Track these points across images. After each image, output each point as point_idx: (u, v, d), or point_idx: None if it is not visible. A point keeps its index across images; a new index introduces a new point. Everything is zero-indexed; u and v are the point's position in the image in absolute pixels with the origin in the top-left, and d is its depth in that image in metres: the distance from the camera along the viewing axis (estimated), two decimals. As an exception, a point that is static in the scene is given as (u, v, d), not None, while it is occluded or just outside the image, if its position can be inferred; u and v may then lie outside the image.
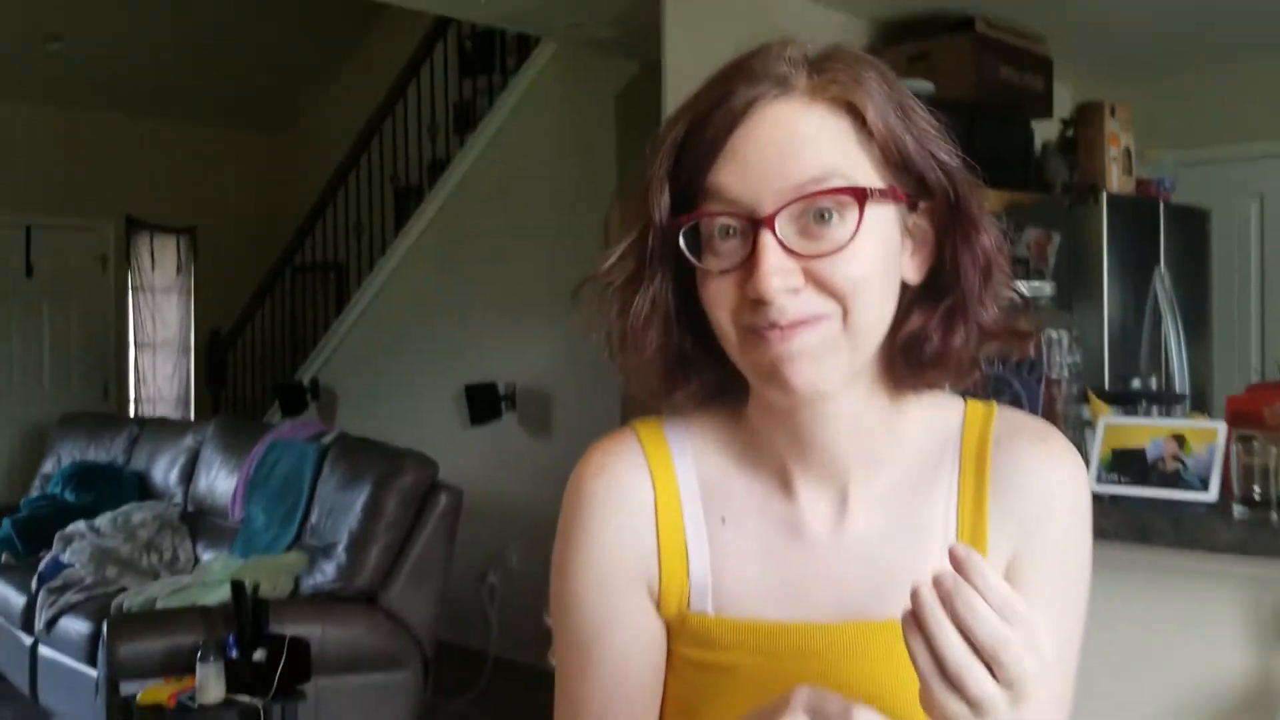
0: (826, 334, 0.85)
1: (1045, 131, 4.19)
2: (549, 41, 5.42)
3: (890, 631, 0.90)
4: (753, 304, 0.85)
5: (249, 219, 8.30)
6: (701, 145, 0.87)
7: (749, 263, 0.84)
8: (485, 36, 6.42)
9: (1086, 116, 3.90)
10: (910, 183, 0.88)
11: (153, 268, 8.17)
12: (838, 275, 0.84)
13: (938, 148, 0.89)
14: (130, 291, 8.10)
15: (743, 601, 0.94)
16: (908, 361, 0.92)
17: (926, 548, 0.94)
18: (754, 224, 0.84)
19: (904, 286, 0.91)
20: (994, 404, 0.99)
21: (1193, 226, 4.27)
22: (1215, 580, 2.09)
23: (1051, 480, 0.95)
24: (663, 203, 0.89)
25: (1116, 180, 3.83)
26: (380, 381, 6.24)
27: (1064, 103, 4.45)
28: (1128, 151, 3.89)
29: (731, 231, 0.86)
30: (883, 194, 0.86)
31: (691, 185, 0.87)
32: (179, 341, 8.37)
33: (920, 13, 4.07)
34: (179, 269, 8.31)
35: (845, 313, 0.85)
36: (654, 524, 0.96)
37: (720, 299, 0.87)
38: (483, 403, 5.46)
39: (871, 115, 0.86)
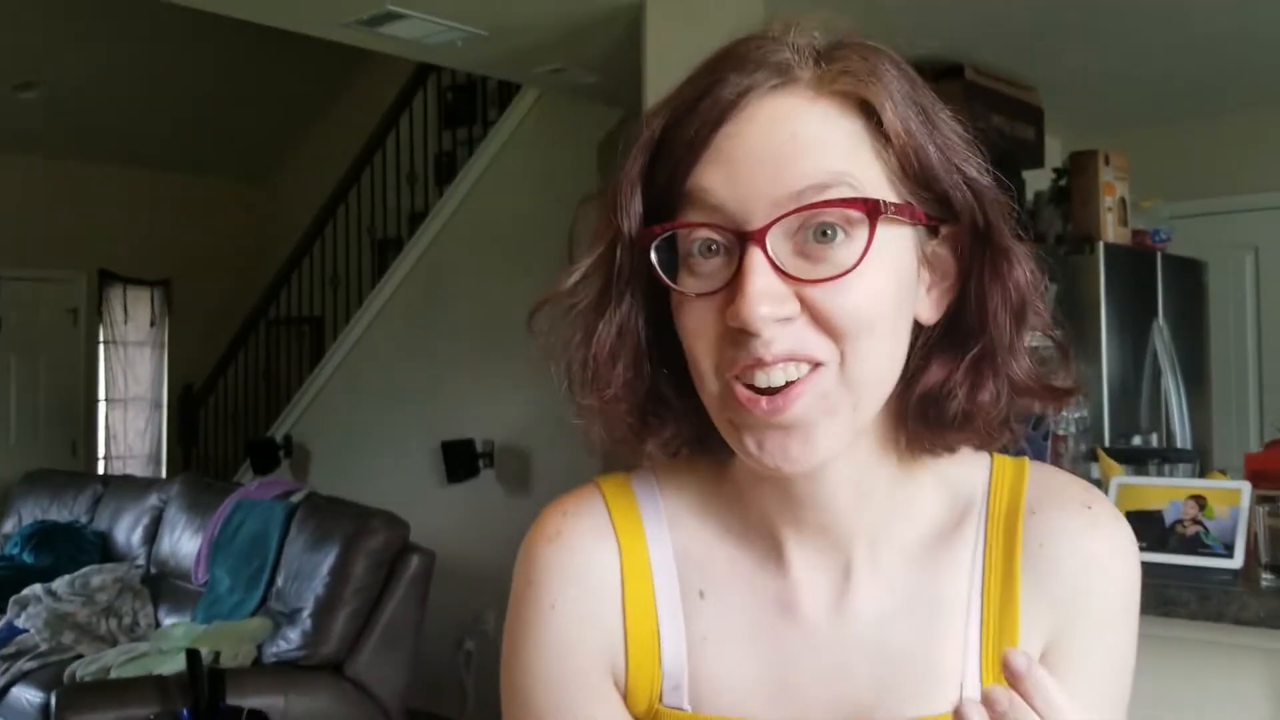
0: (822, 392, 0.70)
1: (1036, 182, 4.10)
2: (530, 89, 5.34)
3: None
4: (735, 335, 0.69)
5: (225, 271, 8.17)
6: (682, 142, 0.71)
7: (733, 285, 0.69)
8: (466, 88, 6.34)
9: (1080, 165, 3.80)
10: (931, 202, 0.74)
11: (125, 321, 8.01)
12: (839, 306, 0.69)
13: (965, 162, 0.74)
14: (101, 345, 7.93)
15: (724, 695, 0.79)
16: (925, 421, 0.76)
17: (944, 633, 0.79)
18: (741, 239, 0.69)
19: (917, 327, 0.76)
20: (1025, 461, 0.84)
21: (1190, 278, 4.17)
22: (1242, 655, 1.92)
23: (1095, 555, 0.80)
24: (634, 209, 0.74)
25: (1112, 230, 3.73)
26: (355, 438, 6.08)
27: (1055, 156, 4.38)
28: (1123, 201, 3.78)
29: (714, 248, 0.71)
30: (898, 210, 0.71)
31: (669, 190, 0.72)
32: (151, 397, 8.18)
33: (908, 59, 3.98)
34: (152, 322, 8.14)
35: (844, 356, 0.70)
36: (620, 601, 0.81)
37: (698, 329, 0.72)
38: (460, 460, 5.31)
39: (889, 116, 0.71)
